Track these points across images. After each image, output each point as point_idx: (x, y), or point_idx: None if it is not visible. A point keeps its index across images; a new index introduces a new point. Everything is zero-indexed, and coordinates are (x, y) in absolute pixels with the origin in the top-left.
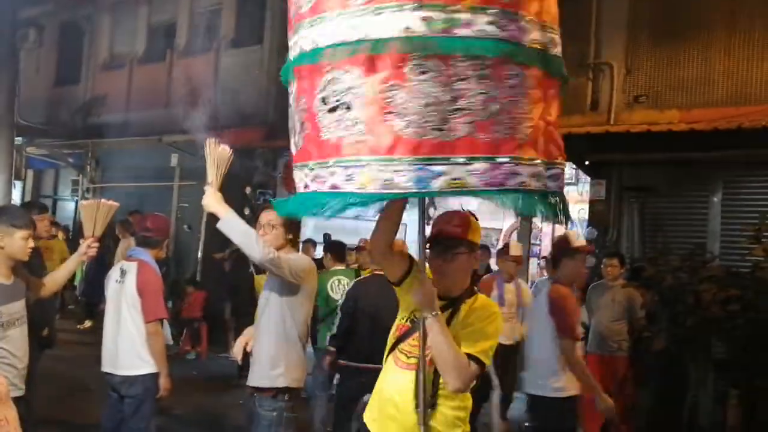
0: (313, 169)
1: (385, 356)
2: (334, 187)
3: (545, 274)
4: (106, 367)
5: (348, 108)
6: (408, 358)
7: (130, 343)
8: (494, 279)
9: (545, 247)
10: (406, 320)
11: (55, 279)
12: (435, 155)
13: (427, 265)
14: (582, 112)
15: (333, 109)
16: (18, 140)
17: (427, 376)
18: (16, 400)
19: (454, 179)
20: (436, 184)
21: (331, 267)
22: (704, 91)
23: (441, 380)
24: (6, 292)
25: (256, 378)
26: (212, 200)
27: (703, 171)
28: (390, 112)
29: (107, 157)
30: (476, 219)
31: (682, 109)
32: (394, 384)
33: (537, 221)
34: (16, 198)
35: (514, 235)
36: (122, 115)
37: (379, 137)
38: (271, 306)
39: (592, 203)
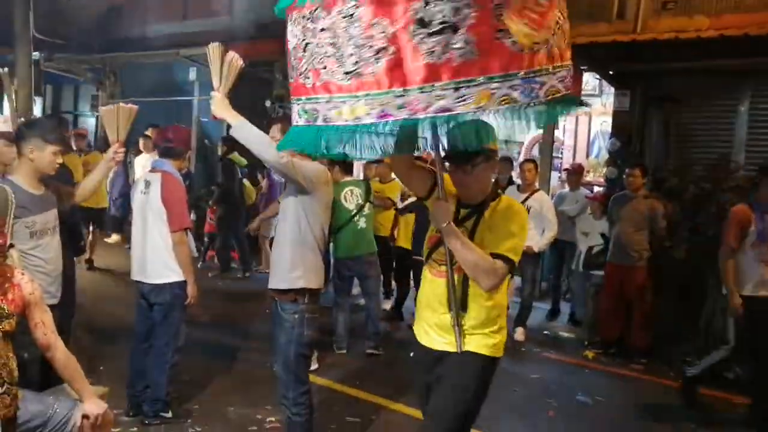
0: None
1: (423, 266)
2: (444, 110)
3: (566, 187)
4: (136, 276)
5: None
6: (440, 266)
7: (157, 253)
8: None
9: (566, 160)
10: (437, 231)
11: (85, 186)
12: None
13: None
14: (608, 20)
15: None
16: (35, 55)
17: (456, 281)
18: (52, 308)
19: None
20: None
21: (341, 179)
22: None
23: (471, 283)
24: (37, 202)
25: (277, 281)
26: (220, 106)
27: (731, 80)
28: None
29: (126, 72)
30: (491, 127)
31: (712, 15)
32: (430, 291)
33: (558, 134)
34: (37, 113)
35: (536, 148)
36: (140, 28)
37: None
38: (288, 212)
39: (616, 114)
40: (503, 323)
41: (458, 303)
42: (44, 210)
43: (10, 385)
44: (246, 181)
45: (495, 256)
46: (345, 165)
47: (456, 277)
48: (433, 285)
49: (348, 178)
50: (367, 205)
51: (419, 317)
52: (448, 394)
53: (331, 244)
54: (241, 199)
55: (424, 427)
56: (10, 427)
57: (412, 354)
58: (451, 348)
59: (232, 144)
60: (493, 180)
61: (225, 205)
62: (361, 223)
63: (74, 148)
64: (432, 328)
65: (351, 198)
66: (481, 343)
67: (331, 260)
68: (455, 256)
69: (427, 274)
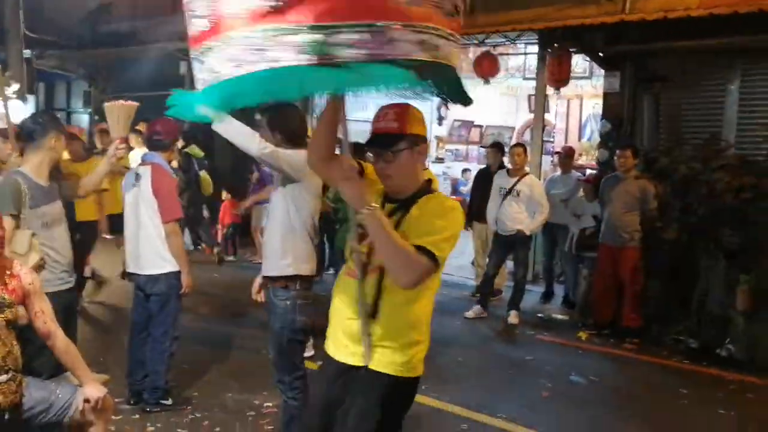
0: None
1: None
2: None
3: (558, 170)
4: (131, 268)
5: None
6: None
7: (150, 244)
8: None
9: (558, 143)
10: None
11: (89, 181)
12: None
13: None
14: (596, 2)
15: None
16: (27, 53)
17: (370, 283)
18: (69, 291)
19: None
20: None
21: None
22: None
23: (385, 285)
24: (46, 193)
25: (269, 269)
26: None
27: (721, 59)
28: None
29: (117, 68)
30: (416, 109)
31: None
32: (340, 293)
33: (550, 118)
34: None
35: (527, 133)
36: (129, 23)
37: None
38: (277, 201)
39: (607, 96)
40: (421, 336)
41: (368, 308)
42: (52, 201)
43: (15, 372)
44: (203, 173)
45: (416, 248)
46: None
47: (370, 278)
48: (344, 286)
49: None
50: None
51: (330, 324)
52: (351, 423)
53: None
54: (197, 190)
55: None
56: (16, 413)
57: (319, 363)
58: (357, 362)
59: (189, 137)
60: (423, 170)
61: (186, 194)
62: None
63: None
64: (339, 337)
65: None
66: (389, 359)
67: (327, 249)
68: (375, 246)
69: (342, 275)
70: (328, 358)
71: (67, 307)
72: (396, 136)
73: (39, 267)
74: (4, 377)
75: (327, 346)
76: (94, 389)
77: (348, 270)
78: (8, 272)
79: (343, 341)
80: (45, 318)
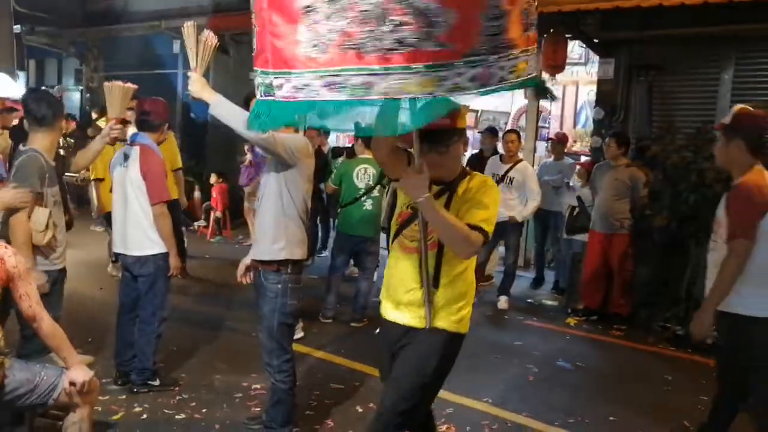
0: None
1: (390, 242)
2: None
3: (552, 156)
4: (118, 248)
5: None
6: (411, 242)
7: (138, 225)
8: None
9: (553, 130)
10: (407, 207)
11: (82, 157)
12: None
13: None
14: None
15: None
16: (16, 28)
17: (430, 257)
18: (63, 270)
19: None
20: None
21: (361, 154)
22: None
23: (444, 258)
24: (54, 173)
25: (260, 252)
26: (197, 86)
27: (715, 47)
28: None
29: (109, 45)
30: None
31: None
32: (402, 267)
33: (545, 104)
34: (21, 88)
35: (522, 118)
36: (122, 1)
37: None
38: (270, 185)
39: (600, 83)
40: (471, 298)
41: (431, 279)
42: (56, 182)
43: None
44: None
45: (470, 227)
46: (366, 140)
47: (429, 253)
48: (404, 261)
49: (366, 155)
50: (378, 188)
51: (387, 294)
52: (410, 364)
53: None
54: None
55: (383, 393)
56: None
57: (378, 330)
58: (419, 323)
59: None
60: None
61: None
62: (368, 205)
63: None
64: (401, 304)
65: (363, 176)
66: (448, 319)
67: (319, 232)
68: (433, 228)
69: (397, 250)
70: (389, 324)
71: (55, 286)
72: (449, 131)
73: (49, 245)
74: None
75: (385, 312)
76: (79, 372)
77: (403, 245)
78: None
79: (407, 308)
80: (30, 302)
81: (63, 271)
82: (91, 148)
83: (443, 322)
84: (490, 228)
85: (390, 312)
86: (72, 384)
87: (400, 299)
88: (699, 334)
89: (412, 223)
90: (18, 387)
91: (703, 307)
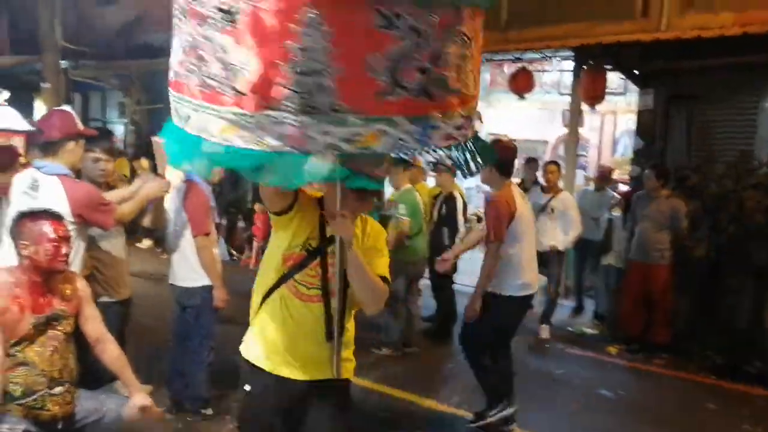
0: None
1: (269, 286)
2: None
3: (591, 185)
4: (171, 280)
5: None
6: (309, 289)
7: (184, 258)
8: None
9: (591, 158)
10: (300, 249)
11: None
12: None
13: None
14: (632, 19)
15: None
16: (63, 63)
17: (336, 308)
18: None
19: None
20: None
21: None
22: None
23: (347, 308)
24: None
25: None
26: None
27: (755, 76)
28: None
29: (151, 78)
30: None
31: (737, 11)
32: (301, 318)
33: (583, 132)
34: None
35: (561, 147)
36: (163, 35)
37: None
38: None
39: (640, 113)
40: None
41: (339, 327)
42: None
43: (70, 384)
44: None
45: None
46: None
47: (332, 299)
48: (302, 311)
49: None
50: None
51: (279, 348)
52: (333, 419)
53: None
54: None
55: None
56: (69, 423)
57: (248, 388)
58: (323, 375)
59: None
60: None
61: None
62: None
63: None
64: (302, 358)
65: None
66: (349, 367)
67: None
68: (354, 280)
69: (291, 299)
70: (280, 381)
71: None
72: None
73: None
74: (59, 389)
75: (276, 368)
76: (142, 398)
77: (299, 294)
78: (69, 285)
79: (309, 361)
80: (95, 323)
81: (122, 302)
82: (139, 198)
83: (347, 371)
84: (390, 275)
85: (282, 368)
86: (135, 410)
87: (299, 352)
88: None
89: (306, 267)
90: (87, 416)
91: None
